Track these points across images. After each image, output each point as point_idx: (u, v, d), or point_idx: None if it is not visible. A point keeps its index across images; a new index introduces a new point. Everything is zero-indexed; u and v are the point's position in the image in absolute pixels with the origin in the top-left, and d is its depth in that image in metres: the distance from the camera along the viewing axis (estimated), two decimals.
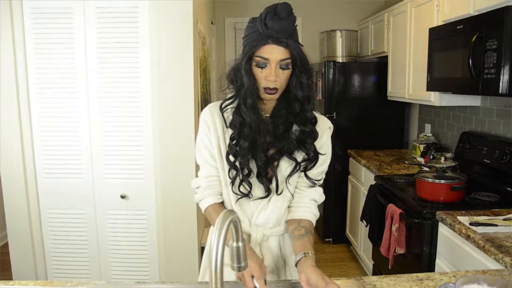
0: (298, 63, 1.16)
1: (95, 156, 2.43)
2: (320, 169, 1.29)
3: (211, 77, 3.60)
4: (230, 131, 1.24)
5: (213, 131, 1.25)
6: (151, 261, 2.53)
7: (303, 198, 1.29)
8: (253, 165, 1.21)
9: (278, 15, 1.10)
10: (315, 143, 1.25)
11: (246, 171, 1.21)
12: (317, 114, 1.29)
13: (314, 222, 1.29)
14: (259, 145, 1.20)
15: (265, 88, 1.16)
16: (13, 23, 2.31)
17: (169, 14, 2.30)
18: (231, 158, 1.22)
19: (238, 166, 1.22)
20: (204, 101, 2.92)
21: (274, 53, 1.13)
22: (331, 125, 1.31)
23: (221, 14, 4.36)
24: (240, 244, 0.89)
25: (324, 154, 1.27)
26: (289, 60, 1.15)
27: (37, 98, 2.39)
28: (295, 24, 1.15)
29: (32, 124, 2.42)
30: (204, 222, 2.85)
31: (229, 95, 1.25)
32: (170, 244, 2.50)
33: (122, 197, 2.46)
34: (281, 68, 1.15)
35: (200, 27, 2.77)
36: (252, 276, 1.09)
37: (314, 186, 1.29)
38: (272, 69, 1.14)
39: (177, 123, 2.39)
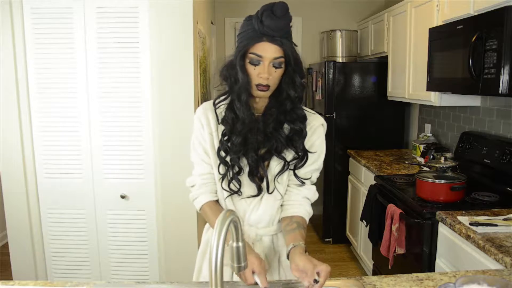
0: (291, 62, 1.17)
1: (95, 156, 2.43)
2: (310, 168, 1.28)
3: (211, 77, 3.60)
4: (222, 127, 1.24)
5: (206, 127, 1.26)
6: (151, 261, 2.53)
7: (295, 196, 1.28)
8: (243, 163, 1.22)
9: (274, 13, 1.11)
10: (305, 141, 1.25)
11: (236, 169, 1.22)
12: (309, 112, 1.29)
13: (307, 219, 1.28)
14: (250, 143, 1.20)
15: (257, 85, 1.17)
16: (13, 23, 2.31)
17: (169, 14, 2.30)
18: (222, 153, 1.23)
19: (229, 163, 1.22)
20: (204, 101, 2.91)
21: (268, 50, 1.13)
22: (324, 122, 1.31)
23: (221, 14, 4.36)
24: (240, 244, 0.89)
25: (314, 153, 1.27)
26: (282, 59, 1.16)
27: (37, 98, 2.39)
28: (291, 24, 1.16)
29: (32, 124, 2.42)
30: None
31: (222, 92, 1.26)
32: (170, 244, 2.50)
33: (122, 197, 2.46)
34: (274, 66, 1.15)
35: (200, 27, 2.77)
36: (253, 272, 1.09)
37: (304, 185, 1.28)
38: (265, 67, 1.14)
39: (177, 123, 2.39)
